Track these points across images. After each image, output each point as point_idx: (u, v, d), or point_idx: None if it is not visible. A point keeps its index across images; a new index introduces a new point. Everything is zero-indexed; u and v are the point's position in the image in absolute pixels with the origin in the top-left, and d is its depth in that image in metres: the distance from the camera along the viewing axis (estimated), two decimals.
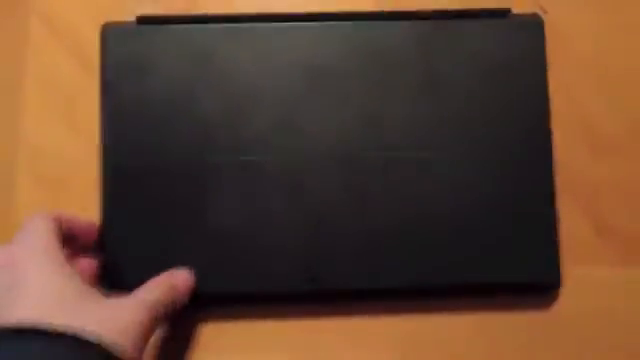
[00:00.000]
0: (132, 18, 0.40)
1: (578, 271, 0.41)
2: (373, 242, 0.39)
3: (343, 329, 0.40)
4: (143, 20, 0.40)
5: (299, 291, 0.39)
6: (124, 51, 0.40)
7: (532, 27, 0.41)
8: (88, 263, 0.38)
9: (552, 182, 0.40)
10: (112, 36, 0.40)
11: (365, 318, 0.40)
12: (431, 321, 0.41)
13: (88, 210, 0.40)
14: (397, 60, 0.41)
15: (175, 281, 0.37)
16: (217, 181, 0.39)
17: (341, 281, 0.39)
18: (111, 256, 0.39)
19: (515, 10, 0.41)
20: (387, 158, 0.40)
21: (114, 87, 0.40)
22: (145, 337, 0.33)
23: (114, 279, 0.38)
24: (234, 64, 0.40)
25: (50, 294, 0.31)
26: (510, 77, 0.41)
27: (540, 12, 0.42)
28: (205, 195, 0.39)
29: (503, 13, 0.41)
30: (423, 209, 0.40)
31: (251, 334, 0.40)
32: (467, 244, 0.40)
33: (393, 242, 0.39)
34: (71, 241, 0.37)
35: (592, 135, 0.43)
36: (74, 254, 0.38)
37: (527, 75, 0.41)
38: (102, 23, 0.40)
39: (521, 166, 0.40)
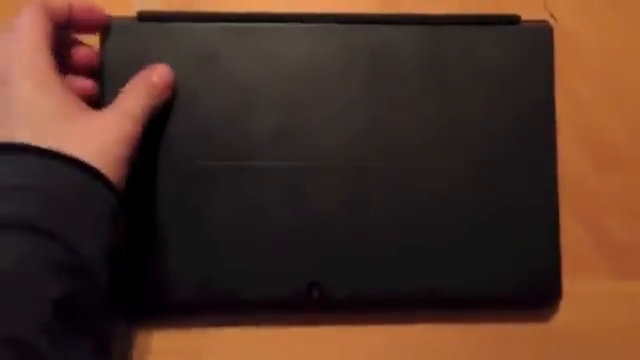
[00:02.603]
0: (134, 14, 0.39)
1: (578, 284, 0.41)
2: (373, 250, 0.39)
3: (340, 338, 0.40)
4: (144, 16, 0.39)
5: (299, 299, 0.38)
6: (124, 48, 0.39)
7: (541, 35, 0.41)
8: (83, 83, 0.38)
9: (555, 193, 0.40)
10: (112, 32, 0.39)
11: (363, 327, 0.40)
12: (428, 332, 0.40)
13: None
14: (402, 65, 0.40)
15: (154, 79, 0.37)
16: (215, 185, 0.39)
17: (342, 289, 0.39)
18: None
19: (524, 17, 0.41)
20: (389, 165, 0.39)
21: (113, 85, 0.38)
22: (127, 150, 0.33)
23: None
24: (236, 64, 0.39)
25: (30, 115, 0.31)
26: (517, 86, 0.40)
27: (550, 20, 0.41)
28: (202, 200, 0.38)
29: (513, 20, 0.41)
30: (424, 218, 0.39)
31: (249, 342, 0.40)
32: (468, 254, 0.39)
33: (393, 251, 0.39)
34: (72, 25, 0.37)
35: (597, 147, 0.42)
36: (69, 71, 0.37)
37: (535, 84, 0.40)
38: None
39: (524, 176, 0.40)
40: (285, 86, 0.39)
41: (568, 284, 0.40)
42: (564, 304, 0.41)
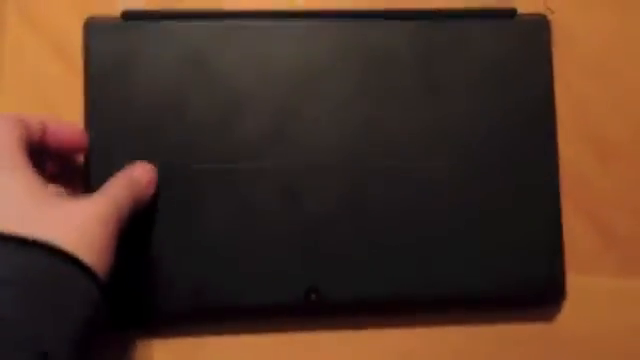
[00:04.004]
0: (118, 13, 0.38)
1: (582, 282, 0.40)
2: (371, 252, 0.38)
3: (339, 343, 0.39)
4: (129, 15, 0.38)
5: (297, 304, 0.38)
6: (109, 49, 0.38)
7: (538, 28, 0.40)
8: (60, 166, 0.36)
9: (557, 189, 0.39)
10: (96, 32, 0.38)
11: (362, 331, 0.39)
12: (429, 334, 0.40)
13: None
14: (397, 62, 0.39)
15: (136, 175, 0.35)
16: (208, 188, 0.37)
17: (340, 293, 0.38)
18: None
19: (521, 10, 0.40)
20: (385, 165, 0.38)
21: (99, 88, 0.37)
22: (109, 231, 0.31)
23: None
24: (225, 64, 0.38)
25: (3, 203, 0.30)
26: (515, 80, 0.39)
27: (547, 13, 0.41)
28: (195, 203, 0.37)
29: (509, 14, 0.40)
30: (422, 218, 0.38)
31: (246, 349, 0.39)
32: (469, 254, 0.38)
33: (391, 252, 0.38)
34: (47, 145, 0.35)
35: (598, 141, 0.41)
36: (50, 163, 0.36)
37: (532, 78, 0.40)
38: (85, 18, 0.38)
39: (525, 172, 0.39)
40: (276, 85, 0.38)
41: (572, 283, 0.40)
42: (568, 303, 0.40)
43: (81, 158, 0.38)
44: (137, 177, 0.35)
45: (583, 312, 0.40)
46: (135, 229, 0.37)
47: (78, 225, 0.30)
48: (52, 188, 0.32)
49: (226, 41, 0.38)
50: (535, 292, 0.39)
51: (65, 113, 0.39)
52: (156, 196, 0.37)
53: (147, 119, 0.37)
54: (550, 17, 0.40)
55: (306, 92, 0.38)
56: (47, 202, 0.30)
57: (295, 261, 0.38)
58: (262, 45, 0.38)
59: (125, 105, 0.37)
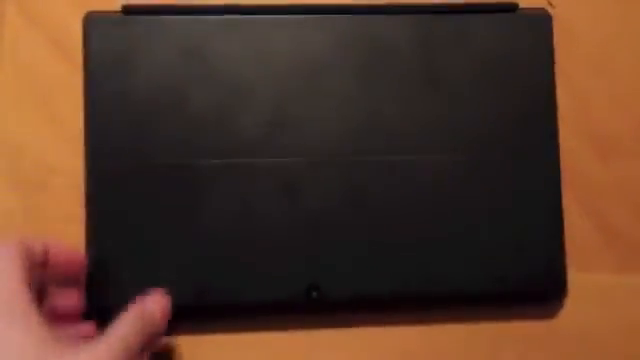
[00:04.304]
0: (118, 7, 0.38)
1: (583, 278, 0.40)
2: (372, 249, 0.38)
3: (340, 340, 0.39)
4: (130, 10, 0.38)
5: (298, 301, 0.37)
6: (109, 44, 0.37)
7: (540, 23, 0.40)
8: (66, 299, 0.36)
9: (558, 185, 0.39)
10: (96, 27, 0.38)
11: (362, 329, 0.39)
12: (430, 332, 0.39)
13: (70, 217, 0.37)
14: (398, 56, 0.39)
15: (150, 309, 0.34)
16: (208, 185, 0.37)
17: (341, 290, 0.38)
18: (95, 267, 0.36)
19: (522, 4, 0.40)
20: (386, 160, 0.38)
21: (98, 83, 0.37)
22: None
23: (98, 292, 0.37)
24: (225, 59, 0.38)
25: (6, 355, 0.29)
26: (516, 75, 0.39)
27: (548, 7, 0.41)
28: (195, 200, 0.37)
29: (511, 8, 0.40)
30: (423, 213, 0.38)
31: (247, 346, 0.39)
32: (470, 250, 0.38)
33: (392, 249, 0.38)
34: (49, 269, 0.34)
35: (599, 136, 0.41)
36: (52, 287, 0.35)
37: (534, 73, 0.39)
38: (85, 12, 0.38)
39: (525, 168, 0.39)
40: (277, 80, 0.38)
41: (573, 279, 0.39)
42: (569, 300, 0.40)
43: (82, 277, 0.37)
44: (150, 311, 0.34)
45: (584, 309, 0.40)
46: (134, 226, 0.37)
47: None
48: (56, 337, 0.31)
49: (226, 36, 0.38)
50: (536, 289, 0.39)
51: (64, 108, 0.39)
52: (156, 190, 0.37)
53: (146, 114, 0.37)
54: (551, 11, 0.40)
55: (307, 87, 0.38)
56: (49, 352, 0.30)
57: (296, 258, 0.37)
58: (263, 40, 0.38)
59: (124, 100, 0.37)
